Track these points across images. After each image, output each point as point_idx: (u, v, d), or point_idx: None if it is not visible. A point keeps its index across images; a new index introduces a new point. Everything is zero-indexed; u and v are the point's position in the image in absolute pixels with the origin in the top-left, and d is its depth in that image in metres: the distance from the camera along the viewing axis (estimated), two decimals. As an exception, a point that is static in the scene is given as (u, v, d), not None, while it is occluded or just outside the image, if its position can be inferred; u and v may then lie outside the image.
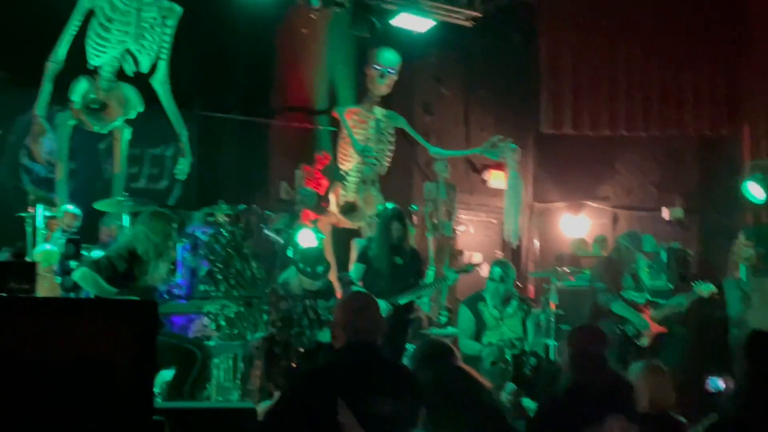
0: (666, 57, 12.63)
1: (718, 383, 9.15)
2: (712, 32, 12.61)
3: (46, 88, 9.70)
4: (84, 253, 8.41)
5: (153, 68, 10.22)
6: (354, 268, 8.12)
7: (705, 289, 8.68)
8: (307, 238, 9.40)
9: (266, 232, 9.48)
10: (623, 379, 4.83)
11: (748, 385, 5.41)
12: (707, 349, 9.76)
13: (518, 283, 10.84)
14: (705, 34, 12.62)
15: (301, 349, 7.12)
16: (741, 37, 12.40)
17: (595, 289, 8.49)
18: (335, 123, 11.97)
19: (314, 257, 7.37)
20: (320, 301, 7.38)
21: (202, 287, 8.73)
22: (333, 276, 8.95)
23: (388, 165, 11.73)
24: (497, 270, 8.17)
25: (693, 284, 8.83)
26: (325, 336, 7.07)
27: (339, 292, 7.73)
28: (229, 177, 11.82)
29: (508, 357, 7.18)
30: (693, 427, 5.54)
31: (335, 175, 11.72)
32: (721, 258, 11.88)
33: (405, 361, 7.08)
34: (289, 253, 8.82)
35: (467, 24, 12.27)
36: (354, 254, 9.70)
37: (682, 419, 5.53)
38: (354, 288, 7.64)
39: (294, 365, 7.03)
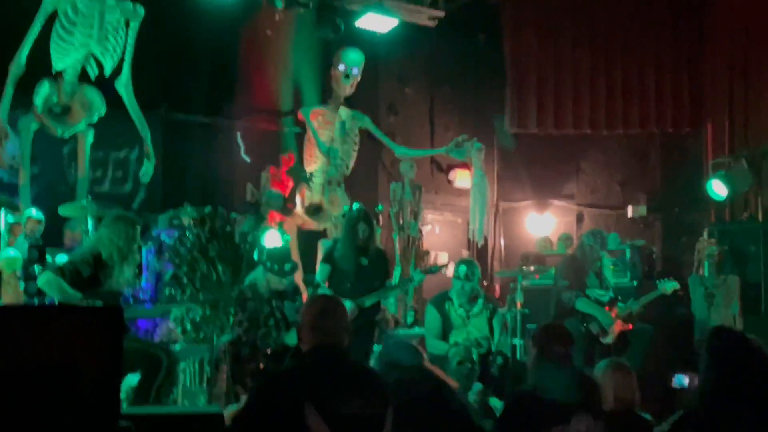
0: (629, 56, 12.75)
1: (683, 380, 9.24)
2: (673, 31, 12.75)
3: (8, 92, 9.64)
4: (48, 258, 8.35)
5: (116, 71, 10.16)
6: (320, 269, 8.11)
7: (669, 286, 8.76)
8: (273, 239, 9.39)
9: None
10: (588, 378, 4.86)
11: (711, 381, 5.48)
12: (672, 346, 9.85)
13: (484, 282, 10.91)
14: (667, 33, 12.75)
15: (268, 351, 7.10)
16: (702, 36, 12.54)
17: (559, 288, 8.54)
18: (300, 124, 11.97)
19: (281, 255, 7.36)
20: (287, 302, 7.37)
21: (167, 291, 8.69)
22: (299, 277, 8.95)
23: (353, 166, 11.74)
24: (463, 268, 8.20)
25: (657, 282, 8.91)
26: (291, 338, 7.06)
27: (305, 294, 7.71)
28: (194, 179, 11.78)
29: (475, 357, 7.21)
30: (658, 424, 5.58)
31: (301, 177, 11.70)
32: (685, 255, 12.03)
33: (372, 362, 7.10)
34: (255, 255, 8.81)
35: (431, 24, 12.32)
36: (320, 255, 9.70)
37: (648, 416, 5.58)
38: (320, 290, 7.63)
39: (261, 367, 7.02)
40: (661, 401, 8.39)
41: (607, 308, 8.43)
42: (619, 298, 8.70)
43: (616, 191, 13.72)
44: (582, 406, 4.55)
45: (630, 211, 13.32)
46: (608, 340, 8.36)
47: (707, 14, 12.50)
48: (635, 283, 10.21)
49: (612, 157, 13.74)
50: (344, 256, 7.83)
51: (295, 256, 10.52)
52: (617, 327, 8.42)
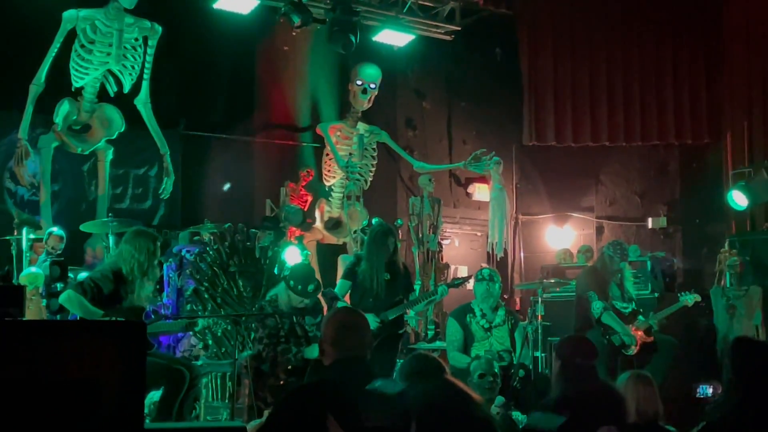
0: (647, 67, 12.72)
1: (707, 390, 9.19)
2: (691, 42, 12.72)
3: (29, 110, 9.72)
4: (70, 275, 8.38)
5: (135, 88, 10.23)
6: (339, 285, 8.09)
7: (690, 299, 8.72)
8: (293, 254, 9.40)
9: None
10: (613, 390, 4.84)
11: (734, 391, 5.46)
12: (694, 358, 9.80)
13: (504, 296, 10.88)
14: (685, 43, 12.72)
15: (289, 367, 7.11)
16: (720, 47, 12.50)
17: (586, 299, 8.49)
18: (319, 139, 12.00)
19: (305, 276, 7.36)
20: (308, 317, 7.37)
21: (188, 306, 8.71)
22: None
23: (371, 180, 11.75)
24: (485, 270, 8.26)
25: (679, 294, 8.86)
26: (312, 353, 7.06)
27: (325, 309, 7.71)
28: (214, 195, 11.81)
29: (497, 370, 7.17)
30: (682, 435, 5.56)
31: (320, 192, 11.73)
32: (706, 266, 11.98)
33: (394, 376, 7.08)
34: (276, 270, 8.82)
35: (447, 38, 12.34)
36: (341, 270, 9.69)
37: (671, 429, 5.55)
38: (339, 303, 7.61)
39: (282, 383, 7.02)
40: (684, 413, 8.33)
41: (628, 320, 8.39)
42: (641, 310, 8.66)
43: (635, 203, 13.66)
44: (607, 419, 4.52)
45: (650, 223, 13.27)
46: (630, 352, 8.32)
47: (725, 25, 12.47)
48: (656, 294, 10.16)
49: (631, 168, 13.69)
50: (368, 271, 7.79)
51: (315, 270, 10.55)
52: (639, 339, 8.37)
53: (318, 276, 8.24)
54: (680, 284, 11.32)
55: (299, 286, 7.20)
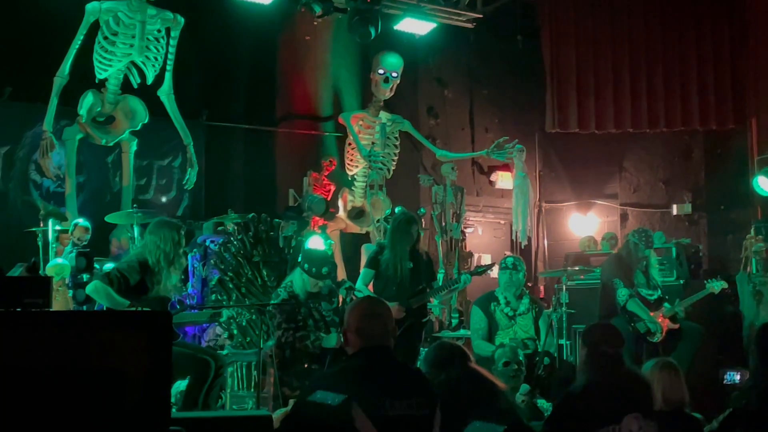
0: (670, 53, 12.62)
1: (734, 376, 9.16)
2: (715, 26, 12.61)
3: (53, 103, 9.77)
4: (96, 266, 8.43)
5: (158, 80, 10.27)
6: (363, 274, 8.09)
7: (717, 286, 8.67)
8: (316, 244, 9.42)
9: None
10: (639, 377, 4.83)
11: (760, 377, 5.44)
12: (721, 345, 9.76)
13: (528, 284, 10.86)
14: (708, 28, 12.61)
15: (310, 352, 7.13)
16: (744, 31, 12.39)
17: (611, 286, 8.47)
18: (341, 129, 12.01)
19: (319, 258, 7.38)
20: (323, 303, 7.39)
21: (213, 296, 8.76)
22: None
23: (394, 169, 11.76)
24: (509, 259, 8.28)
25: (705, 281, 8.82)
26: (329, 342, 7.09)
27: (341, 297, 7.71)
28: (237, 186, 11.85)
29: (521, 358, 7.17)
30: (709, 422, 5.54)
31: (342, 181, 11.75)
32: (731, 252, 11.91)
33: (418, 364, 7.09)
34: (299, 259, 8.86)
35: (469, 26, 12.31)
36: (364, 259, 9.71)
37: (697, 415, 5.54)
38: (357, 293, 7.61)
39: (306, 367, 7.04)
40: (711, 400, 8.30)
41: (652, 312, 8.36)
42: (667, 297, 8.63)
43: (659, 189, 13.59)
44: (633, 406, 4.52)
45: (675, 210, 13.20)
46: (656, 339, 8.30)
47: (749, 8, 12.35)
48: (681, 281, 10.11)
49: (655, 155, 13.62)
50: (392, 259, 7.79)
51: (338, 259, 10.56)
52: (664, 326, 8.35)
53: (340, 263, 8.25)
54: (705, 271, 11.26)
55: (313, 269, 7.21)
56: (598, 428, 4.48)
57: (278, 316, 7.31)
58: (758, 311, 9.39)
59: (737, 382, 9.03)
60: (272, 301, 7.56)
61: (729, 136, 12.92)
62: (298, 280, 7.37)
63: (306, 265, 7.26)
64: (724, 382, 9.20)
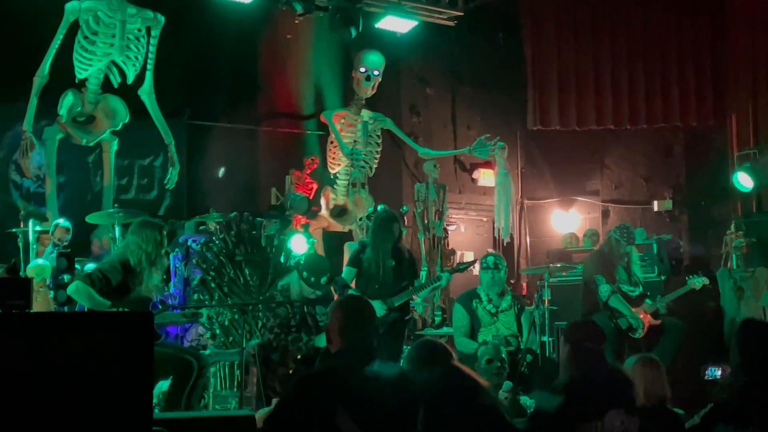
0: (650, 50, 12.68)
1: (715, 372, 9.20)
2: (695, 23, 12.68)
3: (33, 102, 9.73)
4: (77, 266, 8.40)
5: (139, 79, 10.23)
6: (345, 272, 8.09)
7: (698, 282, 8.71)
8: (299, 243, 9.41)
9: None
10: (621, 373, 4.85)
11: (742, 373, 5.47)
12: (702, 340, 9.80)
13: (511, 281, 10.88)
14: (688, 25, 12.69)
15: (299, 356, 7.13)
16: (724, 28, 12.45)
17: (594, 282, 8.49)
18: (323, 127, 11.99)
19: (319, 268, 7.38)
20: (318, 307, 7.39)
21: (195, 296, 8.73)
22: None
23: (376, 167, 11.75)
24: (490, 258, 8.27)
25: (687, 277, 8.86)
26: (322, 341, 7.08)
27: (336, 298, 7.71)
28: (219, 185, 11.82)
29: (504, 355, 7.18)
30: (690, 418, 5.57)
31: (325, 179, 11.74)
32: (712, 248, 11.96)
33: (401, 362, 7.10)
34: (282, 259, 8.83)
35: (450, 23, 12.31)
36: (347, 257, 9.70)
37: (679, 411, 5.57)
38: (351, 292, 7.62)
39: (291, 371, 7.04)
40: (692, 395, 8.34)
41: (634, 308, 8.39)
42: (648, 293, 8.66)
43: (640, 186, 13.64)
44: (616, 402, 4.54)
45: (656, 206, 13.25)
46: (638, 335, 8.33)
47: (729, 6, 12.41)
48: (663, 277, 10.16)
49: (636, 151, 13.66)
50: (373, 257, 7.80)
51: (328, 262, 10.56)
52: (646, 322, 8.38)
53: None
54: (687, 267, 11.33)
55: (312, 278, 7.22)
56: (580, 425, 4.49)
57: (271, 320, 7.30)
58: (739, 307, 9.45)
59: (718, 377, 9.07)
60: (262, 302, 7.58)
61: (709, 133, 12.99)
62: (294, 285, 7.36)
63: (305, 274, 7.27)
64: (705, 377, 9.24)
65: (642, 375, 5.08)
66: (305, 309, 7.29)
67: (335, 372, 3.87)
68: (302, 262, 7.50)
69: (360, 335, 3.94)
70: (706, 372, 9.29)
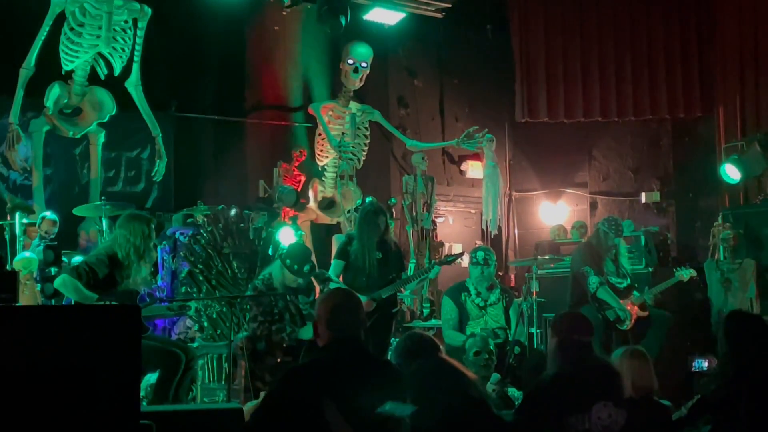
0: (638, 42, 12.68)
1: (702, 363, 9.23)
2: (683, 16, 12.69)
3: (19, 94, 9.70)
4: (64, 259, 8.38)
5: (126, 71, 10.20)
6: (333, 265, 8.09)
7: (686, 274, 8.74)
8: (287, 235, 9.40)
9: None
10: (609, 366, 4.86)
11: (729, 365, 5.50)
12: (689, 332, 9.84)
13: (499, 273, 10.89)
14: (676, 17, 12.69)
15: (284, 345, 7.13)
16: (711, 20, 12.47)
17: (582, 274, 8.50)
18: (311, 119, 11.98)
19: (303, 256, 7.36)
20: (301, 296, 7.39)
21: (183, 289, 8.72)
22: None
23: (364, 159, 11.75)
24: (480, 253, 8.25)
25: (674, 270, 8.88)
26: (306, 333, 7.07)
27: (317, 289, 7.71)
28: (207, 177, 11.79)
29: (492, 347, 7.20)
30: (677, 409, 5.59)
31: (313, 172, 11.72)
32: (699, 240, 12.00)
33: (389, 355, 7.10)
34: (270, 251, 8.81)
35: (438, 15, 12.30)
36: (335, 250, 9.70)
37: (666, 402, 5.59)
38: (332, 284, 7.62)
39: (279, 361, 7.03)
40: (679, 387, 8.38)
41: (621, 299, 8.41)
42: (636, 285, 8.68)
43: (628, 178, 13.66)
44: (603, 394, 4.55)
45: (643, 198, 13.27)
46: (625, 326, 8.35)
47: (714, -1, 12.46)
48: (650, 269, 10.18)
49: (624, 143, 13.68)
50: (360, 250, 7.80)
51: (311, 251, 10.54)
52: (634, 314, 8.40)
53: (312, 256, 8.26)
54: (674, 258, 11.34)
55: (295, 266, 7.20)
56: (568, 417, 4.51)
57: (254, 309, 7.30)
58: (726, 298, 9.48)
59: (705, 369, 9.11)
60: (248, 293, 7.56)
61: (697, 125, 13.01)
62: (277, 274, 7.35)
63: (288, 261, 7.25)
64: (692, 369, 9.27)
65: (629, 367, 5.09)
66: (288, 298, 7.29)
67: (323, 365, 3.87)
68: (284, 251, 7.48)
69: (347, 328, 3.93)
70: (693, 364, 9.32)
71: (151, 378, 6.88)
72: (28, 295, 8.04)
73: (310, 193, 11.60)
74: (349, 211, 10.79)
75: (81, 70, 9.97)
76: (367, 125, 11.77)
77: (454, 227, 13.18)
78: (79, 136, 10.36)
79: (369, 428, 3.68)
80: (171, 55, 11.42)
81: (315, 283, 7.73)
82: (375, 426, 3.71)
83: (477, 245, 9.77)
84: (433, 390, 4.20)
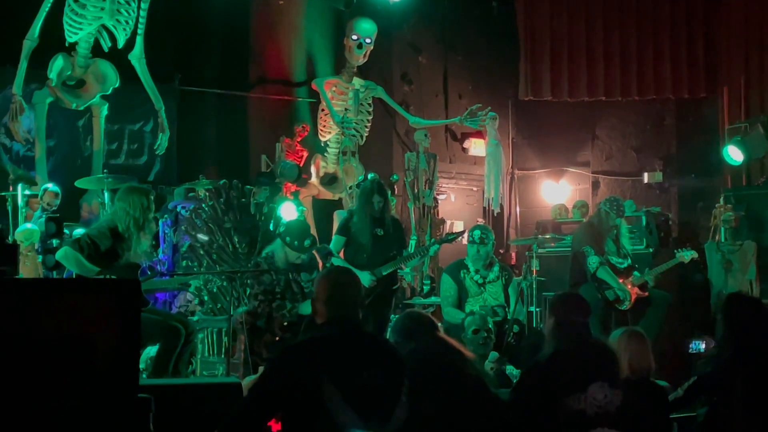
0: (643, 22, 12.64)
1: (699, 345, 9.26)
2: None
3: (23, 66, 9.68)
4: (65, 231, 8.39)
5: (129, 44, 10.18)
6: (333, 241, 8.12)
7: (687, 255, 8.75)
8: (289, 210, 9.41)
9: None
10: (606, 346, 4.87)
11: (727, 346, 5.52)
12: (688, 313, 9.86)
13: (500, 251, 10.90)
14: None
15: (285, 323, 7.15)
16: (715, 1, 12.42)
17: (582, 254, 8.51)
18: (314, 94, 11.94)
19: (301, 231, 7.39)
20: (303, 274, 7.41)
21: (184, 263, 8.74)
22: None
23: (367, 135, 11.73)
24: (477, 232, 8.25)
25: (675, 251, 8.89)
26: (306, 308, 7.09)
27: (321, 265, 7.73)
28: (209, 151, 11.79)
29: (491, 325, 7.21)
30: (674, 390, 5.61)
31: (315, 147, 11.71)
32: (701, 221, 11.99)
33: (387, 333, 7.13)
34: (271, 226, 8.83)
35: (444, -8, 12.26)
36: (336, 226, 9.71)
37: (664, 383, 5.61)
38: (333, 260, 7.65)
39: (277, 339, 7.07)
40: (676, 368, 8.40)
41: (622, 279, 8.42)
42: (636, 265, 8.69)
43: (631, 158, 13.65)
44: (600, 375, 4.57)
45: (645, 178, 13.26)
46: (624, 306, 8.37)
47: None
48: (651, 250, 10.19)
49: (627, 123, 13.66)
50: (360, 227, 7.83)
51: (311, 226, 10.56)
52: (633, 294, 8.42)
53: (314, 231, 8.28)
54: (675, 239, 11.35)
55: (295, 242, 7.22)
56: (564, 397, 4.53)
57: (256, 287, 7.32)
58: (726, 280, 9.49)
59: (702, 350, 9.13)
60: (249, 269, 7.59)
61: (701, 105, 12.99)
62: (279, 252, 7.37)
63: (288, 238, 7.27)
64: (689, 351, 9.30)
65: (627, 348, 5.11)
66: (290, 276, 7.31)
67: (320, 342, 3.89)
68: (283, 230, 7.49)
69: (346, 306, 3.94)
70: (690, 345, 9.34)
71: (151, 351, 6.91)
72: (29, 267, 8.06)
73: (312, 169, 11.59)
74: (351, 187, 10.80)
75: (85, 42, 9.94)
76: (370, 101, 11.75)
77: (455, 204, 13.18)
78: (82, 108, 10.35)
79: (366, 406, 3.70)
80: (175, 28, 11.39)
81: (317, 258, 7.75)
82: (372, 403, 3.73)
83: (478, 223, 9.79)
84: (430, 369, 4.22)
